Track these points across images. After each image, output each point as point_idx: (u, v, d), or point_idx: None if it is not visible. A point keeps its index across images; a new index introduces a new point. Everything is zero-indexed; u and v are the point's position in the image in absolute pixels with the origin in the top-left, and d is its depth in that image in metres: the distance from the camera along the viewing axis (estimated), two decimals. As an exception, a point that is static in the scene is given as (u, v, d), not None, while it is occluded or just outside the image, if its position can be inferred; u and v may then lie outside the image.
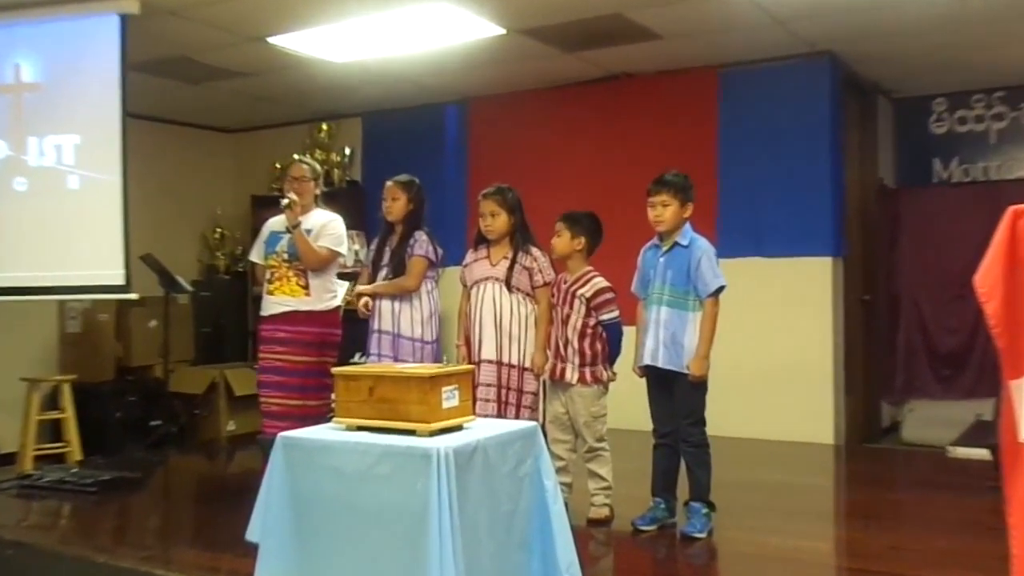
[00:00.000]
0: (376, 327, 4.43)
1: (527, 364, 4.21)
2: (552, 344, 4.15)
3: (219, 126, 8.06)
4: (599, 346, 4.06)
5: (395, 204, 4.47)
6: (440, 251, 4.48)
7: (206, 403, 6.60)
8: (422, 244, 4.39)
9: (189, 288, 6.56)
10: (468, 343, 4.31)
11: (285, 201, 4.51)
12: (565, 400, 4.11)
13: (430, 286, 4.47)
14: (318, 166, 4.85)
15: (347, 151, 7.47)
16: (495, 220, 4.26)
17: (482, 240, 4.36)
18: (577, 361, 4.05)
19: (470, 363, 4.21)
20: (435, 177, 6.46)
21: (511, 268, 4.23)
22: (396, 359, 4.34)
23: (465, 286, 4.40)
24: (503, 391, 4.18)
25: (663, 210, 3.91)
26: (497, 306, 4.22)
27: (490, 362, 4.19)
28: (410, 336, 4.37)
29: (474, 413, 3.13)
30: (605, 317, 4.07)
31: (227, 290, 7.56)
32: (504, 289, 4.23)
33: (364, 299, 4.45)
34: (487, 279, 4.27)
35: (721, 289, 3.88)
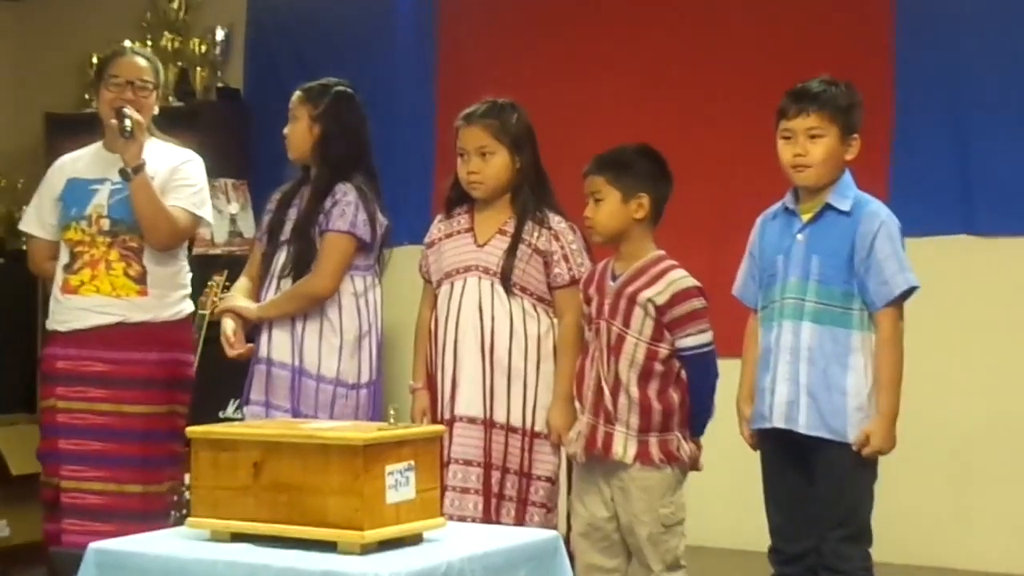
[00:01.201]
0: (263, 353, 4.50)
1: (540, 426, 4.25)
2: (587, 389, 4.13)
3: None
4: (676, 396, 4.06)
5: (293, 129, 4.54)
6: (384, 221, 4.53)
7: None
8: (346, 209, 4.43)
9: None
10: (432, 385, 4.34)
11: (128, 124, 4.53)
12: (612, 494, 4.10)
13: (362, 284, 4.52)
14: (159, 64, 4.89)
15: (219, 35, 7.47)
16: (486, 163, 4.30)
17: (462, 199, 4.40)
18: (637, 423, 4.04)
19: (436, 421, 4.23)
20: (379, 86, 6.44)
21: (513, 250, 4.27)
22: (296, 413, 4.38)
23: (429, 281, 4.44)
24: (495, 474, 4.21)
25: (810, 145, 3.95)
26: (487, 318, 4.26)
27: (472, 420, 4.23)
28: (319, 375, 4.43)
29: (443, 513, 3.17)
30: (690, 342, 4.07)
31: (1, 282, 7.46)
32: (499, 288, 4.27)
33: (231, 326, 4.49)
34: (470, 269, 4.31)
35: (910, 293, 3.97)
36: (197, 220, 4.69)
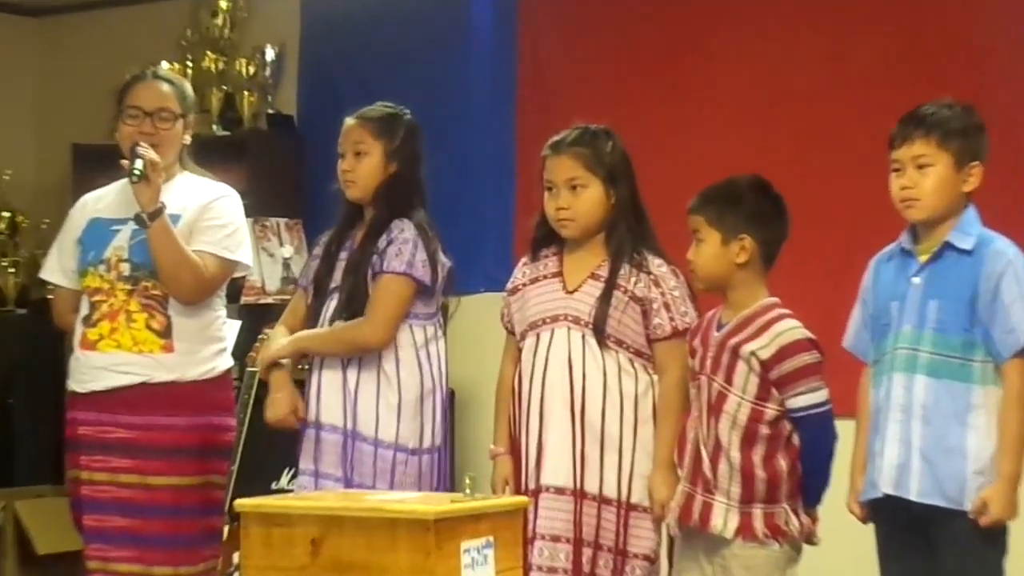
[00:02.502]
0: (311, 416, 4.42)
1: (637, 497, 4.13)
2: (687, 453, 4.07)
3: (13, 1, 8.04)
4: (784, 463, 3.96)
5: (362, 165, 4.43)
6: (446, 263, 4.45)
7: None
8: (403, 248, 4.35)
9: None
10: (516, 450, 4.25)
11: (138, 164, 4.35)
12: (714, 572, 4.02)
13: (423, 336, 4.43)
14: (189, 87, 4.75)
15: (269, 55, 7.38)
16: (577, 198, 4.20)
17: (549, 239, 4.32)
18: (738, 492, 3.95)
19: (519, 491, 4.14)
20: (452, 113, 6.39)
21: (606, 297, 4.18)
22: (349, 482, 4.31)
23: (512, 332, 4.36)
24: (587, 552, 4.10)
25: (918, 176, 3.84)
26: (577, 375, 4.16)
27: (560, 491, 4.13)
28: (376, 438, 4.35)
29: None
30: (802, 402, 3.96)
31: (23, 337, 7.46)
32: (591, 341, 4.17)
33: (277, 373, 4.43)
34: (558, 319, 4.23)
35: None
36: (230, 265, 4.51)
